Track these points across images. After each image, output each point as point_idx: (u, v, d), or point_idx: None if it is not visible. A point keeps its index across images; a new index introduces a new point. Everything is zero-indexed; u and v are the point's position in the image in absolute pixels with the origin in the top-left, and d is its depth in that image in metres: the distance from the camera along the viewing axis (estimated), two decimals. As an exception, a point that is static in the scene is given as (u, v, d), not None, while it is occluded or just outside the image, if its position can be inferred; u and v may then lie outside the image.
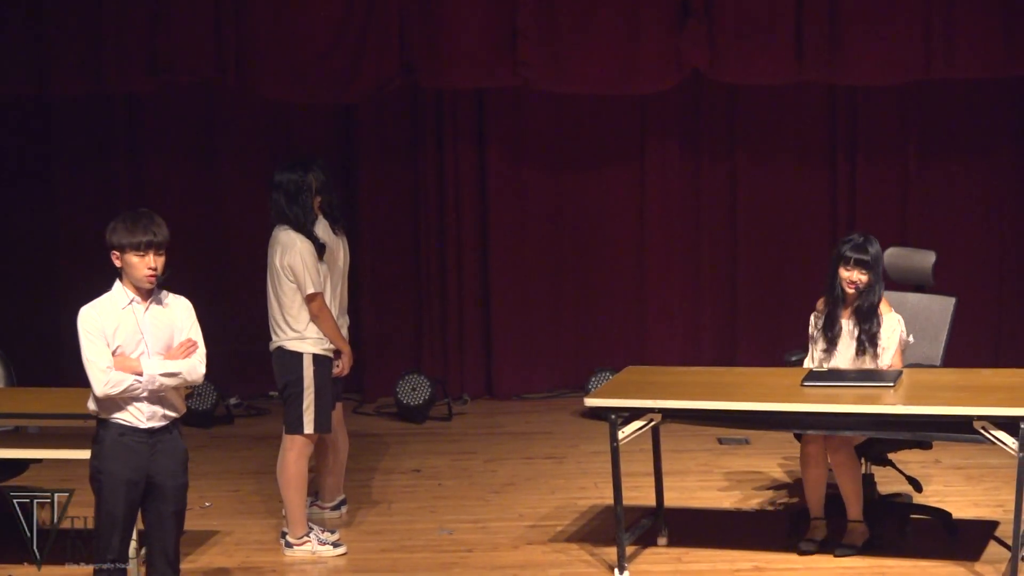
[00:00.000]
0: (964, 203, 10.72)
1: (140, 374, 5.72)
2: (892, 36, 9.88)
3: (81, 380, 5.82)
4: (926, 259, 7.38)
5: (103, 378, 5.68)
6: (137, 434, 5.76)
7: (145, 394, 5.74)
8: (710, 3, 9.87)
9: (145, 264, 5.77)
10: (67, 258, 10.67)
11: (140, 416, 5.76)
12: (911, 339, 7.09)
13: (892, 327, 6.99)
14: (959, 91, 10.43)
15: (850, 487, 6.96)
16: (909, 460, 7.93)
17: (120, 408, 5.75)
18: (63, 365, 10.38)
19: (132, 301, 5.80)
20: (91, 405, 5.78)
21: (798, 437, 7.23)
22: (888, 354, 6.97)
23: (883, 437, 6.82)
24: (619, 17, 9.93)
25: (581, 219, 10.81)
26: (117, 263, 5.76)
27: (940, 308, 7.20)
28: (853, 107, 10.58)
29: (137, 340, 5.79)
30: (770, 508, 7.95)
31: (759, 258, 10.76)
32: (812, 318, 7.13)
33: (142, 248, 5.76)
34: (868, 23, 9.86)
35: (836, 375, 6.86)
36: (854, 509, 7.00)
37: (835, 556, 6.94)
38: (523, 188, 10.75)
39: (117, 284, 5.81)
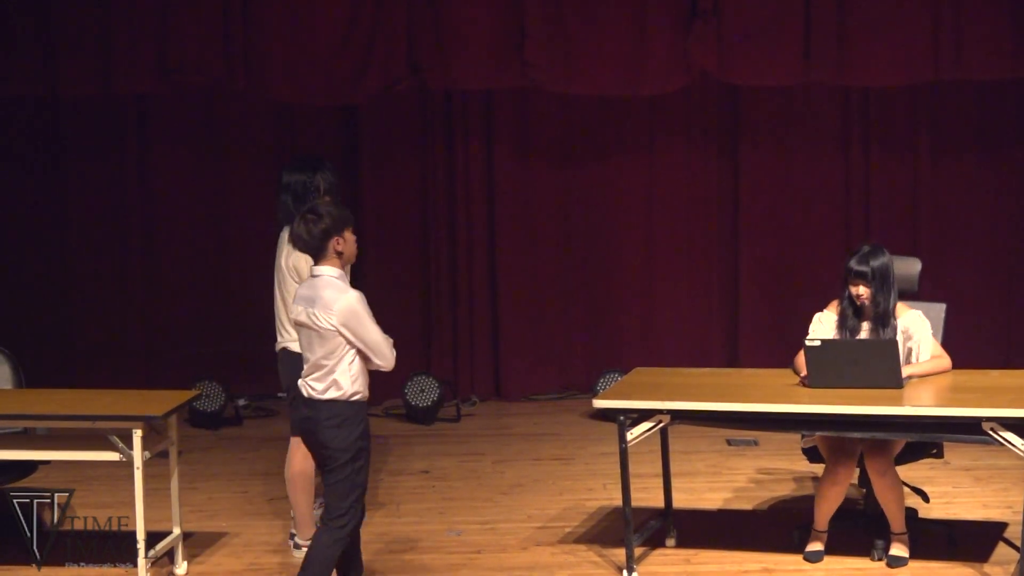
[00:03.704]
0: (976, 202, 10.68)
1: None
2: (900, 37, 9.86)
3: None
4: (911, 267, 7.32)
5: (392, 353, 6.10)
6: None
7: None
8: (718, 4, 9.86)
9: (355, 240, 6.15)
10: (77, 258, 10.70)
11: None
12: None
13: (911, 321, 6.94)
14: (972, 88, 10.38)
15: (896, 504, 6.89)
16: (916, 461, 7.90)
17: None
18: (72, 366, 10.43)
19: None
20: (355, 387, 6.09)
21: (805, 452, 7.21)
22: (923, 347, 6.92)
23: (889, 437, 6.79)
24: (627, 18, 9.92)
25: (589, 220, 10.80)
26: (339, 248, 6.05)
27: (932, 315, 7.15)
28: (864, 105, 10.56)
29: None
30: (779, 510, 7.94)
31: (769, 259, 10.75)
32: (816, 318, 7.09)
33: (354, 224, 6.15)
34: (876, 24, 9.84)
35: (843, 378, 6.81)
36: (900, 523, 6.94)
37: (888, 567, 6.88)
38: (531, 188, 10.75)
39: (338, 270, 6.09)
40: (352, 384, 6.06)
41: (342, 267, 6.12)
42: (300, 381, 6.19)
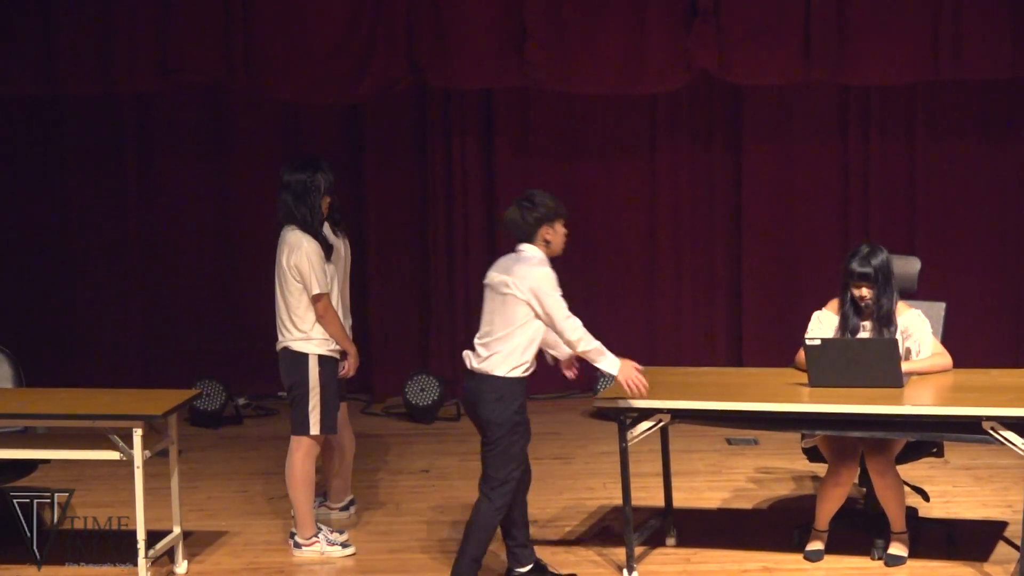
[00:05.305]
0: (980, 201, 10.65)
1: None
2: (900, 36, 9.85)
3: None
4: (911, 265, 7.31)
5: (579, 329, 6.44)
6: None
7: None
8: (718, 3, 9.86)
9: (565, 233, 6.55)
10: (76, 258, 10.70)
11: None
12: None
13: (910, 320, 6.93)
14: (976, 84, 10.34)
15: (896, 504, 6.90)
16: (916, 460, 7.90)
17: None
18: (72, 365, 10.43)
19: None
20: (521, 361, 6.41)
21: (805, 451, 7.20)
22: (923, 345, 6.92)
23: (890, 437, 6.78)
24: (627, 18, 9.91)
25: (590, 218, 10.78)
26: (547, 236, 6.47)
27: (932, 315, 7.15)
28: (865, 102, 10.53)
29: None
30: (779, 509, 7.94)
31: (771, 257, 10.74)
32: (816, 317, 7.07)
33: (566, 218, 6.52)
34: (876, 23, 9.84)
35: (843, 377, 6.80)
36: (900, 522, 6.95)
37: (886, 566, 6.90)
38: (531, 187, 10.70)
39: (541, 252, 6.45)
40: (520, 357, 6.39)
41: (546, 253, 6.46)
42: (467, 352, 6.49)
